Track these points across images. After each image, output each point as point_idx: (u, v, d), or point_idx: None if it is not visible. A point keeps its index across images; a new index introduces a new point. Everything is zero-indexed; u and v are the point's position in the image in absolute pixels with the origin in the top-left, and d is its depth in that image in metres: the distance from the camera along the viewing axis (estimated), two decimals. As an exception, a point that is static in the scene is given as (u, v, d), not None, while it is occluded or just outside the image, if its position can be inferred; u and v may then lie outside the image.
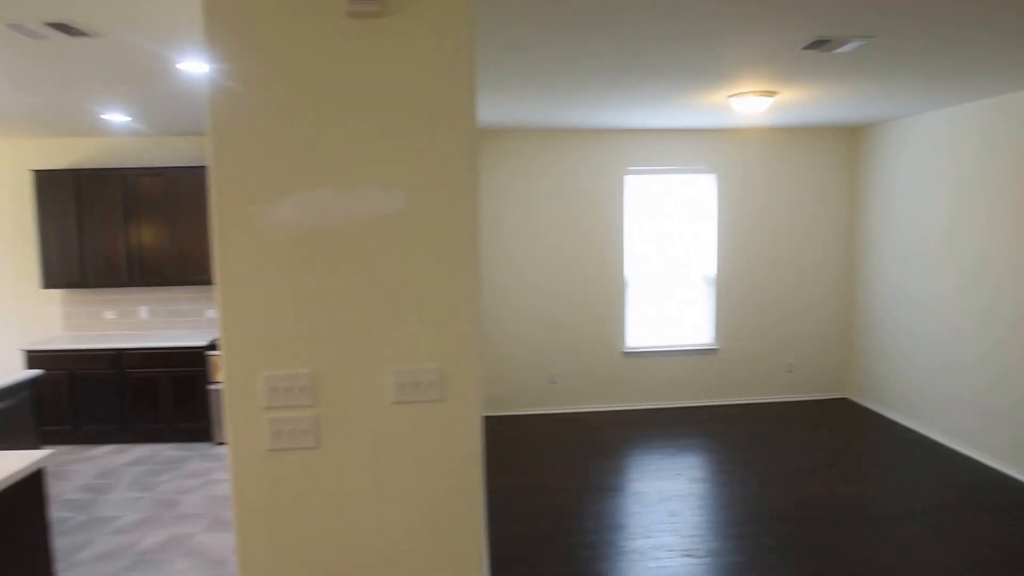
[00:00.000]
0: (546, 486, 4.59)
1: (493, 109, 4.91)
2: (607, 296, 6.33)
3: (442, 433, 1.85)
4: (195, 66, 3.32)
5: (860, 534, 3.79)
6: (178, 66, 3.36)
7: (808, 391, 6.63)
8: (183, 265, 5.81)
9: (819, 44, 3.11)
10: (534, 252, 6.24)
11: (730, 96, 4.47)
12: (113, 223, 5.75)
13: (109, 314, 6.16)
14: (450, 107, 1.76)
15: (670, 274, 6.45)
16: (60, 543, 3.84)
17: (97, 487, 4.72)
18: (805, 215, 6.45)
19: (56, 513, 4.25)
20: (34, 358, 5.53)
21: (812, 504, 4.20)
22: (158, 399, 5.63)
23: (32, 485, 2.70)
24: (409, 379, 1.82)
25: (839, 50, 3.20)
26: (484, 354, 6.21)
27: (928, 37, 3.04)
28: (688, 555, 3.60)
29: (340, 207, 1.75)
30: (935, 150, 5.29)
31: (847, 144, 6.41)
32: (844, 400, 6.54)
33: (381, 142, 1.74)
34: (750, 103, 4.44)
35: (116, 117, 4.89)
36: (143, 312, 6.16)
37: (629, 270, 6.37)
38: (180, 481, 4.80)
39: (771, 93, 4.38)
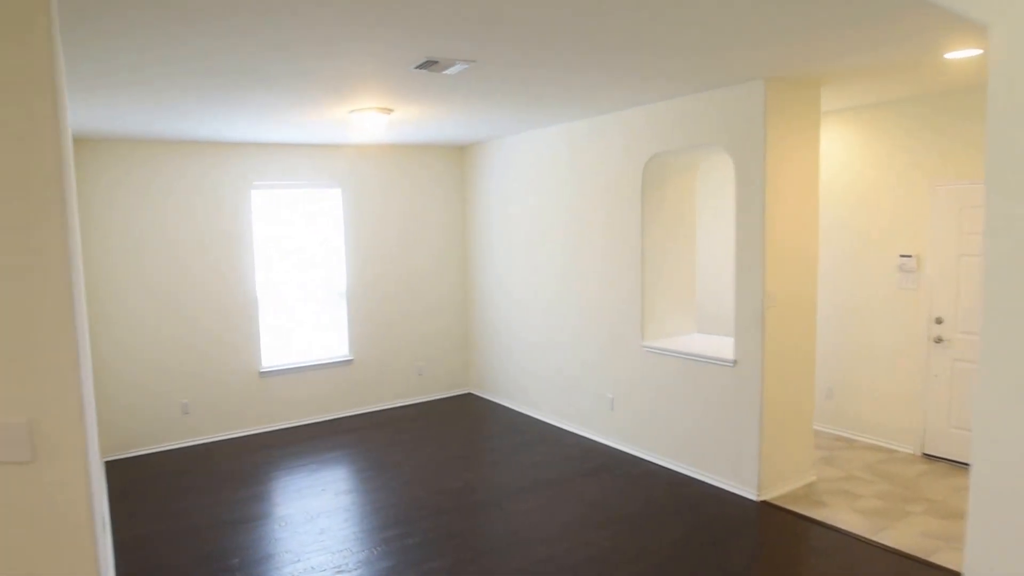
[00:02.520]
0: (185, 528, 4.08)
1: (88, 115, 4.17)
2: (238, 315, 5.93)
3: (37, 504, 1.50)
4: None
5: (487, 515, 4.26)
6: None
7: (438, 390, 7.19)
8: None
9: (429, 64, 3.38)
10: (158, 273, 5.50)
11: (350, 111, 4.59)
12: None
13: None
14: (22, 96, 1.44)
15: (303, 289, 6.33)
16: None
17: None
18: (425, 227, 6.99)
19: None
20: None
21: (444, 495, 4.57)
22: None
23: None
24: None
25: (447, 71, 3.53)
26: (98, 393, 5.22)
27: (520, 67, 3.56)
28: (340, 571, 3.57)
29: None
30: (524, 166, 6.24)
31: (457, 161, 7.14)
32: (469, 395, 7.27)
33: None
34: (369, 118, 4.62)
35: None
36: None
37: (260, 287, 6.05)
38: None
39: (388, 110, 4.62)
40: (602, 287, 5.50)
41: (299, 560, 3.71)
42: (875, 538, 3.73)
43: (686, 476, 4.79)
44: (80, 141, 5.20)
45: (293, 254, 6.26)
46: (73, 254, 1.56)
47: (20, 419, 1.48)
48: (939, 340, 4.82)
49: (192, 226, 5.69)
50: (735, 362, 4.39)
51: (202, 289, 5.76)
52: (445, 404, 6.95)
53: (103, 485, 4.56)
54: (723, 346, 4.78)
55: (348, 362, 6.56)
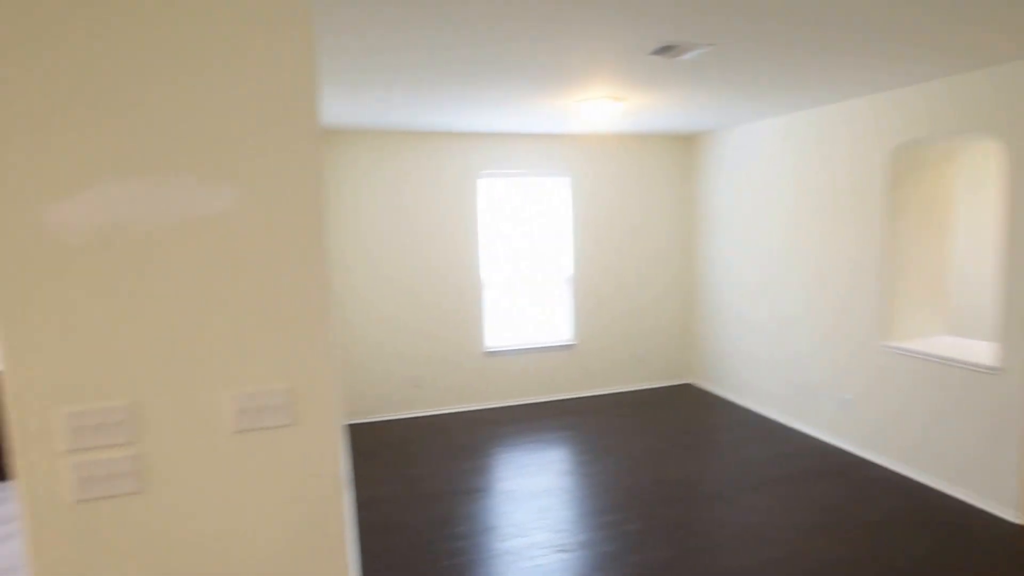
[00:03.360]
0: (416, 493, 4.41)
1: (336, 109, 4.63)
2: (465, 298, 6.25)
3: (296, 463, 1.63)
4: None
5: (713, 509, 4.00)
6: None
7: (657, 379, 6.96)
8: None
9: (666, 50, 3.19)
10: (390, 256, 6.02)
11: (579, 101, 4.54)
12: None
13: None
14: (288, 91, 1.54)
15: (528, 274, 6.49)
16: None
17: None
18: (650, 217, 6.77)
19: None
20: None
21: (667, 485, 4.38)
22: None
23: None
24: (252, 403, 1.58)
25: (684, 56, 3.31)
26: (345, 364, 5.89)
27: (761, 50, 3.23)
28: (561, 551, 3.59)
29: (157, 204, 1.45)
30: (753, 155, 5.74)
31: (685, 150, 6.80)
32: (688, 385, 6.94)
33: (205, 132, 1.48)
34: (598, 108, 4.53)
35: None
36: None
37: (486, 272, 6.32)
38: (-22, 539, 4.06)
39: (618, 99, 4.49)
40: (838, 282, 4.88)
41: (521, 535, 3.79)
42: None
43: (929, 487, 4.12)
44: (326, 132, 5.82)
45: (519, 241, 6.44)
46: (326, 241, 1.67)
47: (284, 386, 1.61)
48: None
49: (424, 213, 6.09)
50: (999, 369, 3.68)
51: (433, 272, 6.16)
52: (664, 393, 6.72)
53: (346, 447, 5.07)
54: (980, 351, 4.11)
55: (570, 346, 6.61)
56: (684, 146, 6.81)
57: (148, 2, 1.42)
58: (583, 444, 5.30)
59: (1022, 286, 3.62)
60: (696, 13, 2.65)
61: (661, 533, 3.72)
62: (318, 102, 1.59)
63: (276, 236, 1.56)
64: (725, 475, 4.52)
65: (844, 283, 4.87)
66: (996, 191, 5.27)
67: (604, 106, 4.50)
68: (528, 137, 6.28)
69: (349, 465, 4.91)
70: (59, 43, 1.37)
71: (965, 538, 3.52)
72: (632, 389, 6.84)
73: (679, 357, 7.02)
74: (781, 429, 5.40)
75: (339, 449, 1.67)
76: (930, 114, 4.08)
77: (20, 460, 1.44)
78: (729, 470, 4.61)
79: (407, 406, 6.19)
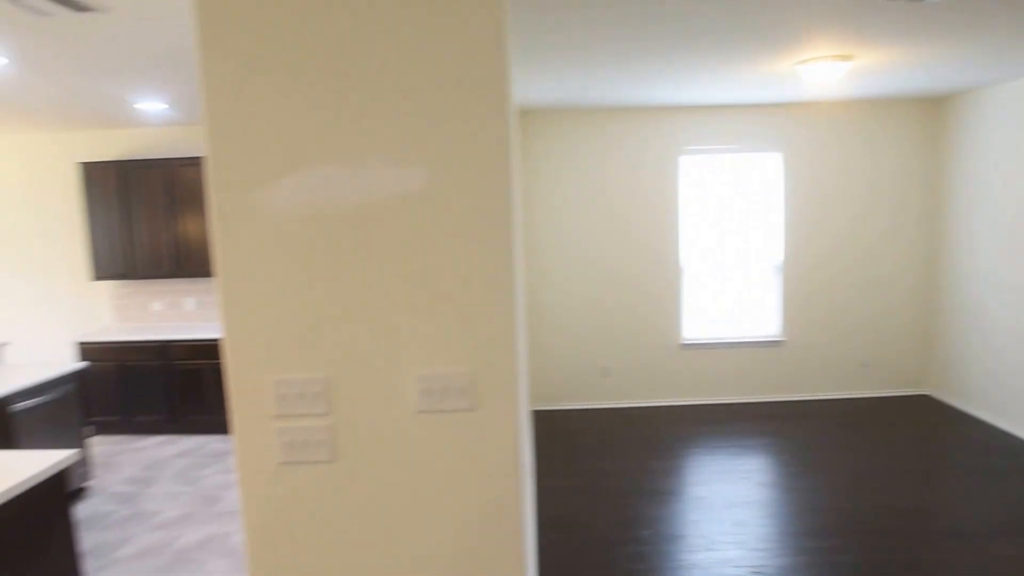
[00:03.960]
0: (598, 488, 4.31)
1: (532, 88, 4.61)
2: (662, 284, 5.97)
3: (474, 447, 1.60)
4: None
5: (947, 552, 3.38)
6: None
7: (885, 387, 6.12)
8: (227, 256, 5.73)
9: None
10: (584, 239, 5.92)
11: (798, 63, 4.05)
12: (157, 214, 5.71)
13: (156, 305, 6.16)
14: (479, 72, 1.49)
15: (732, 261, 6.03)
16: (101, 538, 3.78)
17: (143, 479, 4.68)
18: (882, 196, 5.93)
19: (102, 507, 4.21)
20: (86, 350, 5.55)
21: (892, 515, 3.80)
22: (204, 391, 5.58)
23: (55, 485, 2.59)
24: (435, 385, 1.57)
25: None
26: (531, 348, 5.95)
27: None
28: (756, 572, 3.26)
29: (353, 187, 1.50)
30: (1036, 120, 4.72)
31: (930, 116, 5.84)
32: (924, 397, 6.01)
33: (398, 116, 1.48)
34: (821, 70, 4.01)
35: (152, 106, 4.80)
36: (189, 303, 6.14)
37: (685, 257, 5.98)
38: (223, 475, 4.72)
39: (846, 57, 3.94)
40: None
41: (712, 548, 3.52)
42: None
43: None
44: (522, 112, 5.85)
45: (723, 224, 6.00)
46: (515, 223, 1.60)
47: (466, 369, 1.58)
48: None
49: (620, 194, 5.90)
50: None
51: (627, 256, 5.96)
52: (894, 404, 5.88)
53: (529, 433, 5.09)
54: None
55: (778, 343, 6.05)
56: (929, 111, 5.83)
57: (347, -24, 1.44)
58: (789, 454, 4.81)
59: None
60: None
61: (882, 572, 3.22)
62: (509, 82, 1.52)
63: (464, 218, 1.53)
64: (971, 511, 3.81)
65: None
66: None
67: (827, 67, 3.97)
68: (735, 109, 5.79)
69: (530, 452, 4.94)
70: (269, 49, 1.45)
71: None
72: (852, 396, 6.09)
73: (914, 362, 6.10)
74: (1048, 463, 4.46)
75: (520, 437, 1.61)
76: None
77: (237, 421, 1.56)
78: (976, 505, 3.88)
79: (593, 396, 6.09)
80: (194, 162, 5.65)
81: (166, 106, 4.85)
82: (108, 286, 6.14)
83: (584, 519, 3.88)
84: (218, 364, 5.52)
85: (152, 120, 5.49)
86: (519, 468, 1.62)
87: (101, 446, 5.39)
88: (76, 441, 4.28)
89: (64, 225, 6.09)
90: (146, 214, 5.71)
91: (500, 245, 1.55)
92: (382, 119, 1.48)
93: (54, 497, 2.59)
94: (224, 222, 1.50)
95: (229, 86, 1.47)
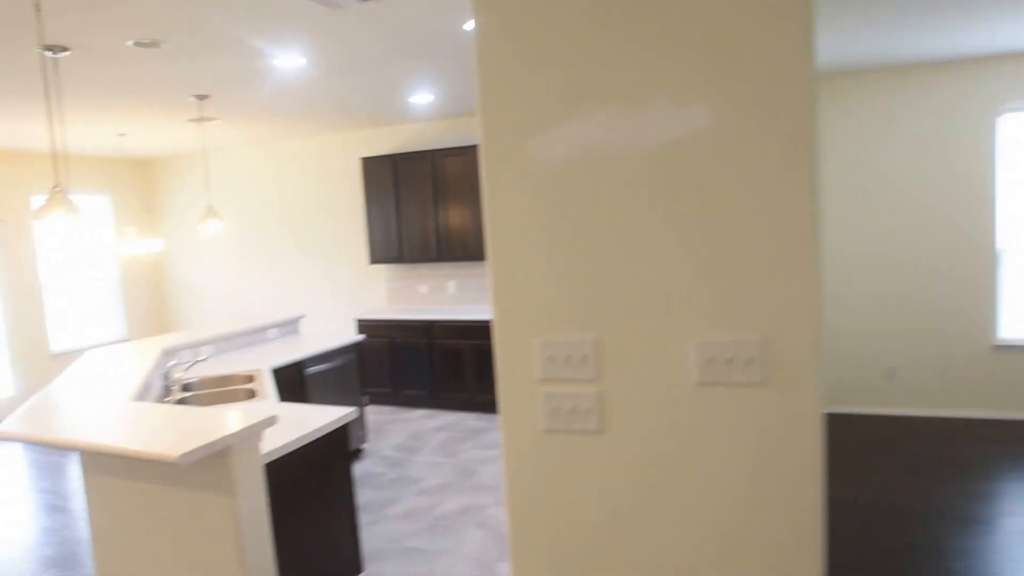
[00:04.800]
0: (889, 506, 3.67)
1: (820, 49, 4.07)
2: (969, 272, 4.95)
3: (765, 428, 1.34)
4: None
5: None
6: (465, 27, 3.29)
7: None
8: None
9: None
10: (871, 216, 5.13)
11: None
12: (424, 202, 6.18)
13: (422, 288, 6.69)
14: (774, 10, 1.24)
15: (1069, 244, 4.80)
16: (374, 496, 4.14)
17: (409, 447, 5.07)
18: None
19: (374, 468, 4.64)
20: (363, 326, 6.21)
21: None
22: (463, 370, 5.92)
23: (339, 437, 2.84)
24: (718, 354, 1.35)
25: None
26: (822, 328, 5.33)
27: None
28: None
29: (635, 131, 1.34)
30: None
31: None
32: None
33: (687, 50, 1.29)
34: None
35: (422, 98, 5.17)
36: (451, 287, 6.56)
37: (1002, 238, 4.89)
38: (478, 451, 4.93)
39: None
40: None
41: (1055, 597, 2.76)
42: None
43: None
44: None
45: (1054, 199, 4.80)
46: (815, 184, 1.32)
47: (756, 337, 1.33)
48: None
49: (917, 165, 4.98)
50: None
51: (925, 239, 5.02)
52: None
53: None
54: None
55: None
56: None
57: None
58: None
59: None
60: None
61: None
62: (813, 13, 1.24)
63: (759, 164, 1.30)
64: None
65: None
66: None
67: None
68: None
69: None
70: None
71: None
72: None
73: None
74: None
75: (819, 419, 1.32)
76: None
77: (502, 384, 1.49)
78: None
79: (873, 400, 5.25)
80: (456, 152, 6.00)
81: (433, 97, 5.19)
82: (382, 269, 6.83)
83: (874, 538, 3.32)
84: (476, 344, 5.81)
85: (420, 114, 5.95)
86: (818, 458, 1.33)
87: (374, 415, 5.98)
88: (355, 403, 4.77)
89: (348, 214, 6.90)
90: (414, 202, 6.22)
91: (800, 193, 1.28)
92: (670, 56, 1.29)
93: (338, 447, 2.84)
94: (493, 175, 1.43)
95: (501, 28, 1.39)
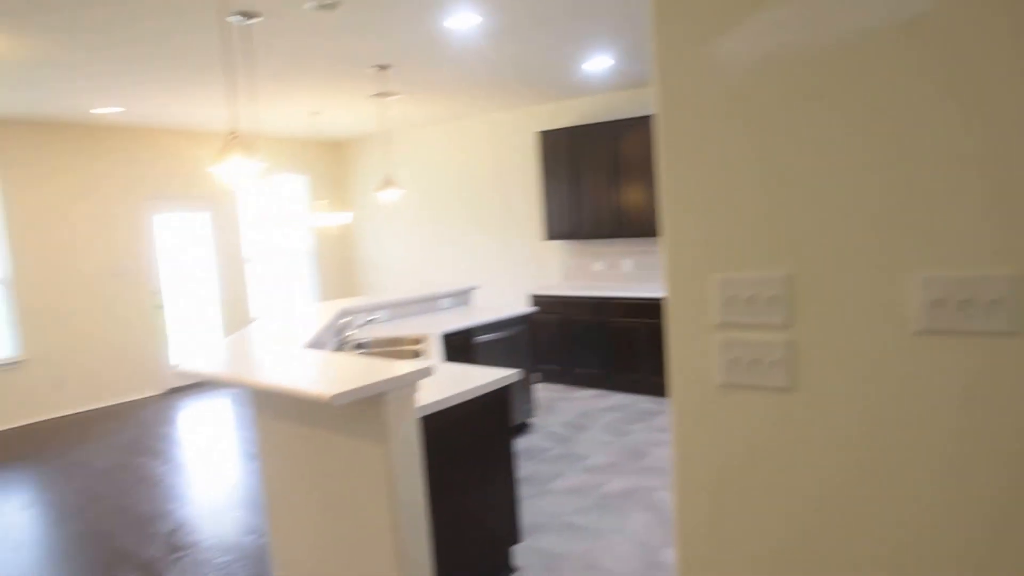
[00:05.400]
0: None
1: None
2: None
3: (1015, 393, 1.00)
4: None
5: None
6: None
7: None
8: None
9: None
10: None
11: None
12: (600, 176, 5.98)
13: (597, 265, 6.51)
14: None
15: None
16: (538, 469, 4.06)
17: (577, 425, 4.94)
18: None
19: (540, 443, 4.57)
20: (536, 301, 6.17)
21: None
22: (637, 350, 5.66)
23: (501, 398, 2.76)
24: (952, 293, 1.02)
25: None
26: None
27: None
28: None
29: (842, 19, 1.06)
30: None
31: None
32: None
33: None
34: None
35: (599, 63, 4.95)
36: (627, 264, 6.31)
37: None
38: (649, 433, 4.67)
39: None
40: None
41: None
42: None
43: None
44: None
45: None
46: None
47: (1004, 272, 1.00)
48: None
49: None
50: None
51: None
52: None
53: None
54: None
55: None
56: None
57: None
58: None
59: None
60: None
61: None
62: None
63: None
64: None
65: None
66: None
67: None
68: None
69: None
70: None
71: None
72: None
73: None
74: None
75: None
76: None
77: (673, 331, 1.27)
78: None
79: None
80: (635, 124, 5.73)
81: (613, 62, 4.96)
82: (557, 245, 6.75)
83: None
84: (651, 323, 5.53)
85: (597, 86, 5.75)
86: None
87: (544, 392, 5.93)
88: (527, 371, 4.72)
89: (523, 190, 6.90)
90: (591, 177, 6.04)
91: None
92: None
93: (499, 412, 2.76)
94: (668, 85, 1.20)
95: None
